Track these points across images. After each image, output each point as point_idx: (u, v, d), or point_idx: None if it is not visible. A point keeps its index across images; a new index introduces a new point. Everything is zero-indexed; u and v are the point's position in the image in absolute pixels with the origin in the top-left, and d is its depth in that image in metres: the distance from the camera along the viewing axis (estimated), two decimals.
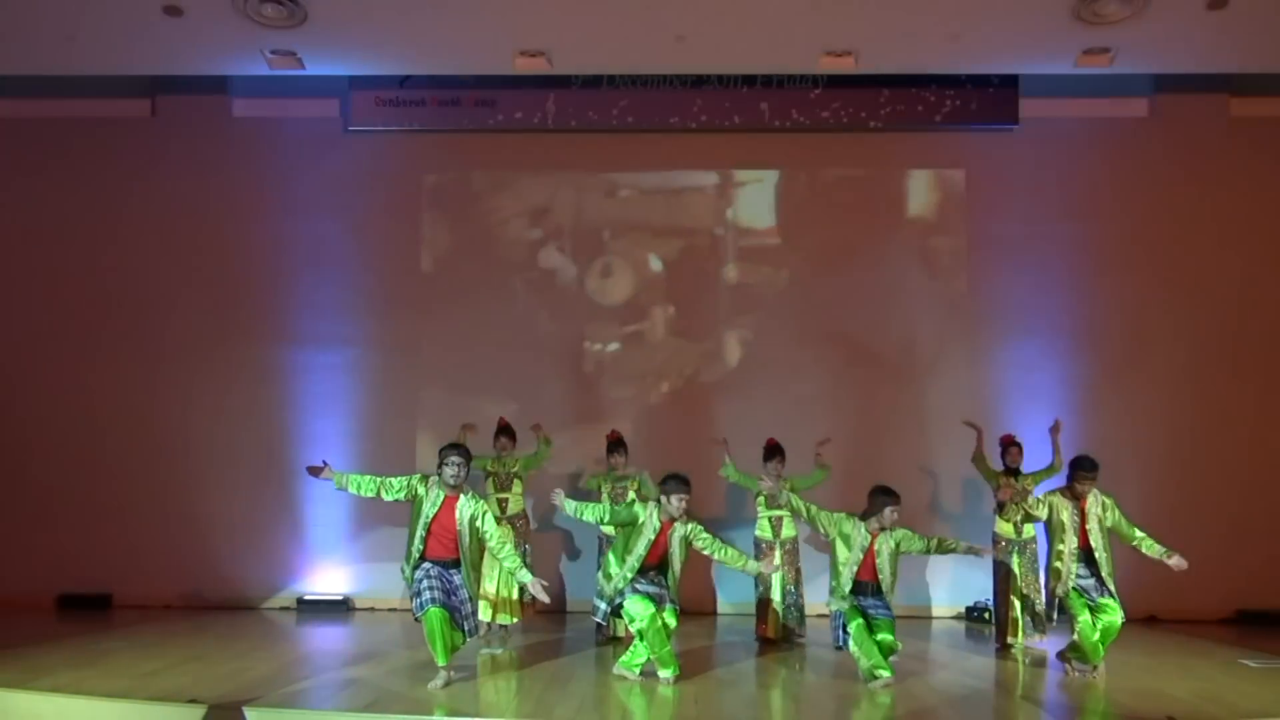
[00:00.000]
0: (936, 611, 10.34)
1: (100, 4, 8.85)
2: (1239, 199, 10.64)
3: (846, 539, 7.36)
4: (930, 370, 10.72)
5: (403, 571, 7.15)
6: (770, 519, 8.88)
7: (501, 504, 9.09)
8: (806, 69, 10.19)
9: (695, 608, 10.32)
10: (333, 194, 10.95)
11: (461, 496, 7.08)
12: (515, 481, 9.16)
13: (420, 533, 7.01)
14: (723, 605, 10.46)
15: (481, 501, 7.16)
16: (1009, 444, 9.02)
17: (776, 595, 8.72)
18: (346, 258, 10.90)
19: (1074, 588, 7.51)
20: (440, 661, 6.88)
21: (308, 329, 10.83)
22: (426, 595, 6.91)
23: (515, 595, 8.79)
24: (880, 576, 7.33)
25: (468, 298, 10.92)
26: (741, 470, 8.89)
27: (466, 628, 7.09)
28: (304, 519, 10.58)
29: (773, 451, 8.95)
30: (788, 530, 8.87)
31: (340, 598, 10.40)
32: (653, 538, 7.32)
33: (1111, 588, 7.50)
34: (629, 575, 7.33)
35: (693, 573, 10.45)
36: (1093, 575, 7.56)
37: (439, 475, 7.07)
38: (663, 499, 7.37)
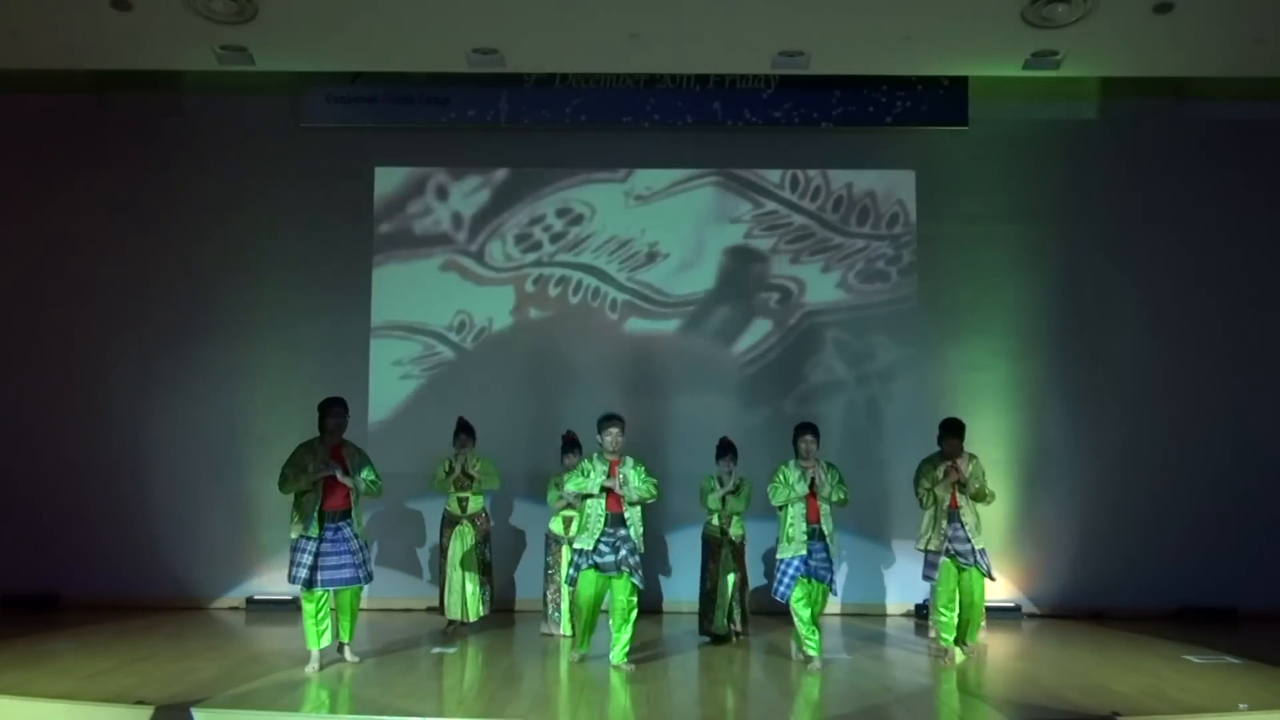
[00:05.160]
0: (889, 609, 10.38)
1: None
2: (1187, 201, 10.79)
3: (788, 490, 7.67)
4: (880, 370, 10.77)
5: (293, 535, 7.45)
6: (719, 515, 8.89)
7: (461, 502, 9.07)
8: (759, 69, 10.22)
9: (641, 605, 10.32)
10: (284, 191, 10.85)
11: (346, 444, 7.56)
12: (475, 480, 9.14)
13: (319, 489, 7.34)
14: (668, 603, 10.43)
15: (362, 451, 7.65)
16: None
17: (724, 592, 8.73)
18: (297, 256, 10.80)
19: (933, 548, 7.96)
20: (310, 645, 7.36)
21: (258, 328, 10.72)
22: (303, 574, 7.34)
23: (478, 592, 8.87)
24: (823, 519, 7.67)
25: (420, 297, 10.88)
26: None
27: (362, 575, 7.48)
28: (253, 518, 10.46)
29: (725, 449, 8.97)
30: (736, 529, 8.89)
31: (290, 598, 10.29)
32: (604, 482, 7.48)
33: (977, 556, 7.84)
34: (596, 533, 7.47)
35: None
36: (966, 539, 7.87)
37: (320, 431, 7.53)
38: (597, 439, 7.64)
